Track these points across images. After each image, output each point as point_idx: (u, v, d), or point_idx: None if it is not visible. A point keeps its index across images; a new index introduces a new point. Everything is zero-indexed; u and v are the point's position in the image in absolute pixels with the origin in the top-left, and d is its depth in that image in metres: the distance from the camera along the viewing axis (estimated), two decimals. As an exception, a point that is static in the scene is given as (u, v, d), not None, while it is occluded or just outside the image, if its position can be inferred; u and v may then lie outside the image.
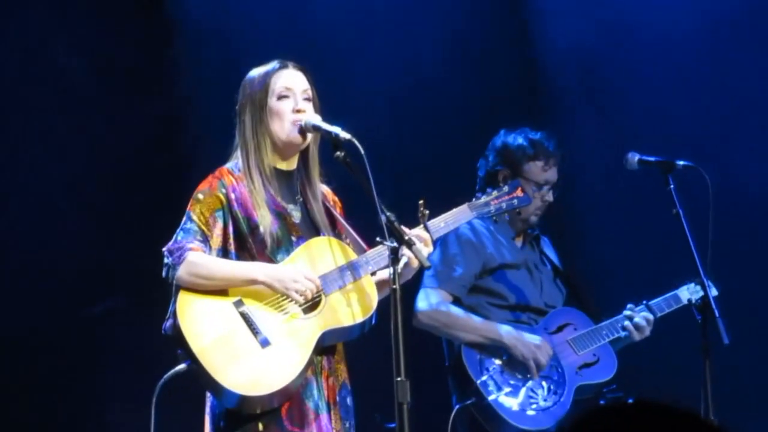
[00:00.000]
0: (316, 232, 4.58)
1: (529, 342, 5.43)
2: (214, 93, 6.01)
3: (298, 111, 4.53)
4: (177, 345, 4.37)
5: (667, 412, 2.32)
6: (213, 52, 6.78)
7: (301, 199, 4.62)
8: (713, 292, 5.22)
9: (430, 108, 7.10)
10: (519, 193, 4.77)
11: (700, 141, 6.63)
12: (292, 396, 4.39)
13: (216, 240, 4.46)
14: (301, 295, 4.39)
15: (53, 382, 6.41)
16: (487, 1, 7.43)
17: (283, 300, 4.42)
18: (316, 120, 4.51)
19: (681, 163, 5.31)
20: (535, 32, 7.43)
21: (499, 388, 5.38)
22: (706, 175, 5.21)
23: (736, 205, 6.41)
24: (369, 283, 4.50)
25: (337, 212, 4.70)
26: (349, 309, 4.45)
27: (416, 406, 4.17)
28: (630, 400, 2.38)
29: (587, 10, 7.19)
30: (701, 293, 5.21)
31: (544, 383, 5.45)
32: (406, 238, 4.29)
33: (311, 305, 4.44)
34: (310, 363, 4.40)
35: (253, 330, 4.37)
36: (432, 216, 4.55)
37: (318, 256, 4.49)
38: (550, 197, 5.71)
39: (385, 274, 4.47)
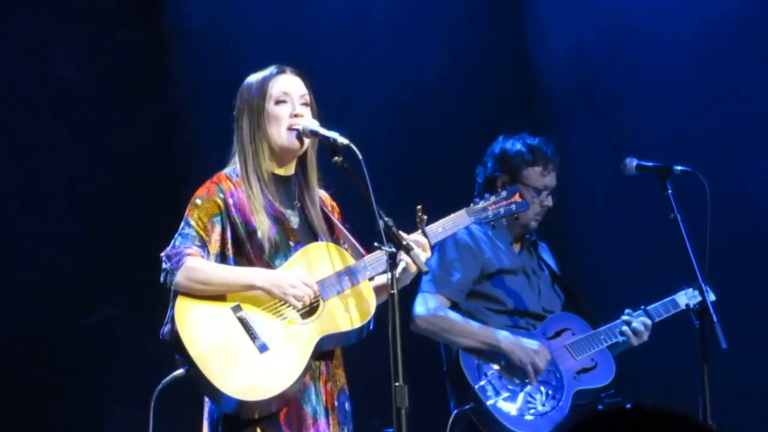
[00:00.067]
0: (314, 237, 4.58)
1: (527, 347, 5.43)
2: (212, 98, 6.02)
3: (296, 116, 4.54)
4: (175, 350, 4.37)
5: (665, 417, 2.32)
6: (211, 57, 6.78)
7: (299, 205, 4.62)
8: (711, 297, 5.21)
9: (428, 113, 7.10)
10: (517, 198, 4.78)
11: (698, 146, 6.63)
12: (290, 401, 4.39)
13: (214, 245, 4.47)
14: (299, 301, 4.40)
15: (52, 388, 6.41)
16: (486, 7, 7.43)
17: (281, 305, 4.42)
18: (314, 125, 4.51)
19: (679, 168, 5.31)
20: (533, 37, 7.44)
21: (498, 393, 5.38)
22: (704, 180, 5.22)
23: (734, 210, 6.41)
24: (367, 288, 4.50)
25: (335, 217, 4.70)
26: (347, 314, 4.45)
27: (414, 411, 4.17)
28: (628, 405, 2.38)
29: (586, 15, 7.20)
30: (699, 298, 5.21)
31: (542, 388, 5.45)
32: (404, 243, 4.29)
33: (309, 310, 4.44)
34: (308, 368, 4.40)
35: (252, 335, 4.37)
36: (430, 221, 4.55)
37: (316, 262, 4.50)
38: (549, 202, 5.71)
39: (383, 279, 4.48)
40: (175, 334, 4.35)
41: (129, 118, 6.59)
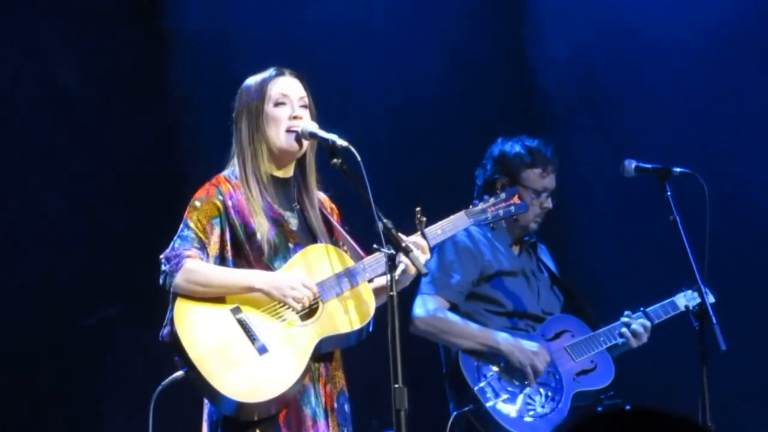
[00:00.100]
0: (313, 239, 4.58)
1: (526, 349, 5.43)
2: (211, 101, 6.02)
3: (295, 118, 4.54)
4: (174, 352, 4.37)
5: (664, 419, 2.32)
6: (210, 60, 6.78)
7: (298, 207, 4.61)
8: (710, 298, 5.21)
9: (427, 114, 7.11)
10: (516, 200, 4.77)
11: (697, 147, 6.64)
12: (290, 403, 4.39)
13: (213, 247, 4.46)
14: (298, 302, 4.39)
15: (51, 389, 6.41)
16: (486, 8, 7.43)
17: (281, 307, 4.42)
18: (313, 127, 4.51)
19: (678, 169, 5.31)
20: (533, 38, 7.43)
21: (497, 395, 5.38)
22: (703, 181, 5.22)
23: (734, 212, 6.41)
24: (366, 290, 4.50)
25: (335, 219, 4.70)
26: (346, 316, 4.45)
27: (414, 413, 4.17)
28: (627, 407, 2.38)
29: (586, 16, 7.20)
30: (698, 300, 5.20)
31: (541, 390, 5.45)
32: (403, 245, 4.29)
33: (309, 312, 4.44)
34: (307, 370, 4.40)
35: (251, 337, 4.37)
36: (429, 223, 4.55)
37: (315, 263, 4.49)
38: (548, 204, 5.71)
39: (382, 281, 4.48)
40: (174, 336, 4.35)
41: (129, 119, 6.59)
